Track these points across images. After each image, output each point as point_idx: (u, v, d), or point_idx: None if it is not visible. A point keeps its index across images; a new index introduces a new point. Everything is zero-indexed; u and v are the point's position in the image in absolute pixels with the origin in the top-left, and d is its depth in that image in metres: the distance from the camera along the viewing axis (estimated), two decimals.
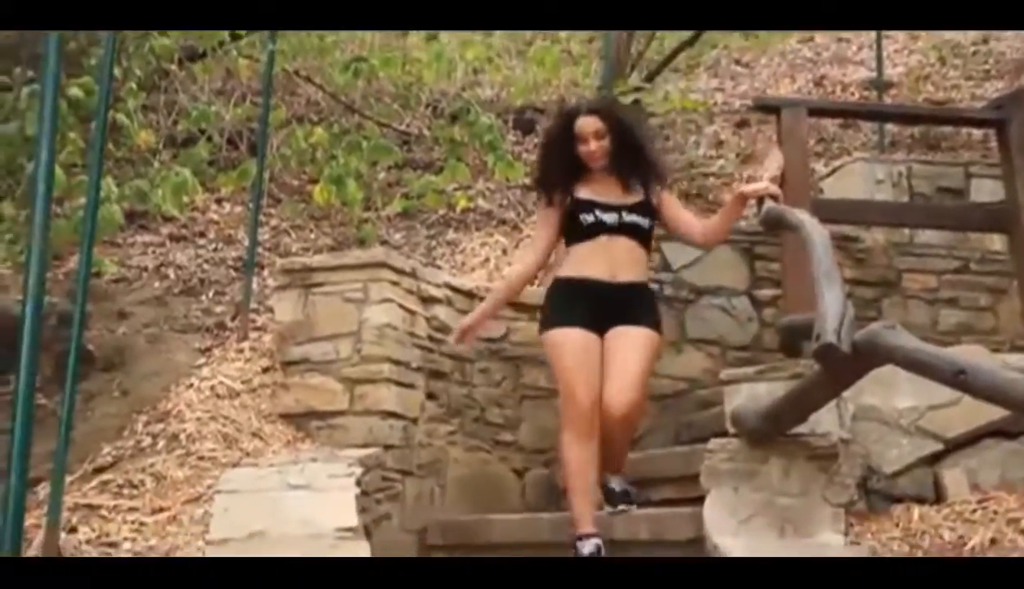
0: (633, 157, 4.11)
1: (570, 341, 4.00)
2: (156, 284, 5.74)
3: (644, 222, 4.11)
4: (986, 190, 5.97)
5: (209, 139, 7.15)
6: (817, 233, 4.14)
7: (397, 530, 4.68)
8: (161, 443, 4.48)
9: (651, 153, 4.22)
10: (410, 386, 4.88)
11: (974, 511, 4.09)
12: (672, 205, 4.22)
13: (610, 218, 4.06)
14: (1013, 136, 5.00)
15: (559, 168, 4.14)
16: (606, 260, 4.03)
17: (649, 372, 4.09)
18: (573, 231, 4.11)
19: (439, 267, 6.09)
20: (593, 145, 4.06)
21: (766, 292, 5.79)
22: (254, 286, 5.69)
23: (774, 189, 4.01)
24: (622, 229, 4.05)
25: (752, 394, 4.32)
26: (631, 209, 4.08)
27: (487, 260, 6.29)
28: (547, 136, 4.41)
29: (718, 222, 4.14)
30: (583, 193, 4.12)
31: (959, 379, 2.94)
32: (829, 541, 4.10)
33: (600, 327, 4.05)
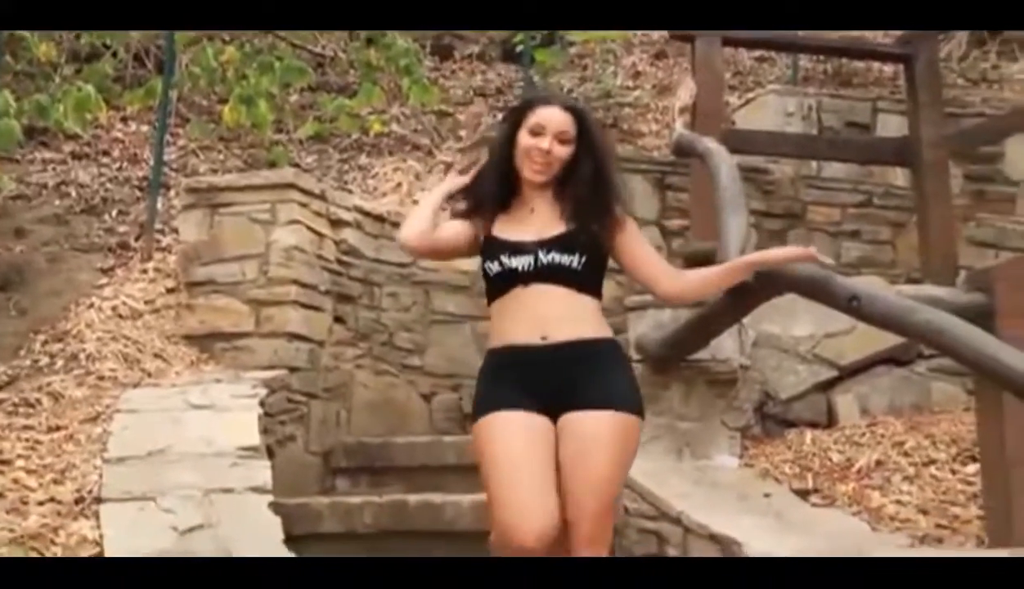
0: (590, 176, 2.87)
1: (500, 430, 2.69)
2: (57, 202, 5.58)
3: (569, 260, 2.80)
4: (893, 125, 6.08)
5: (115, 55, 6.92)
6: (724, 162, 4.21)
7: (302, 451, 4.68)
8: (60, 363, 4.40)
9: (613, 172, 2.94)
10: (317, 309, 4.85)
11: (863, 435, 4.25)
12: (633, 241, 2.90)
13: (521, 262, 2.81)
14: (919, 72, 5.10)
15: (494, 174, 2.90)
16: (528, 318, 2.78)
17: (622, 479, 2.76)
18: (487, 286, 2.89)
19: (350, 191, 6.02)
20: (549, 146, 2.82)
21: (675, 222, 5.85)
22: (160, 207, 5.58)
23: (806, 253, 2.97)
24: (540, 274, 2.79)
25: (657, 321, 4.39)
26: (551, 245, 2.80)
27: (399, 185, 6.24)
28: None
29: (700, 282, 2.95)
30: (496, 228, 2.88)
31: (852, 306, 3.03)
32: (724, 463, 4.23)
33: (547, 409, 2.72)
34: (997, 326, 3.17)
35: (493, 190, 2.88)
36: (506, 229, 2.86)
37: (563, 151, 2.83)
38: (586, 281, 2.82)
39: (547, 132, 2.81)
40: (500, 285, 2.83)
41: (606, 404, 2.67)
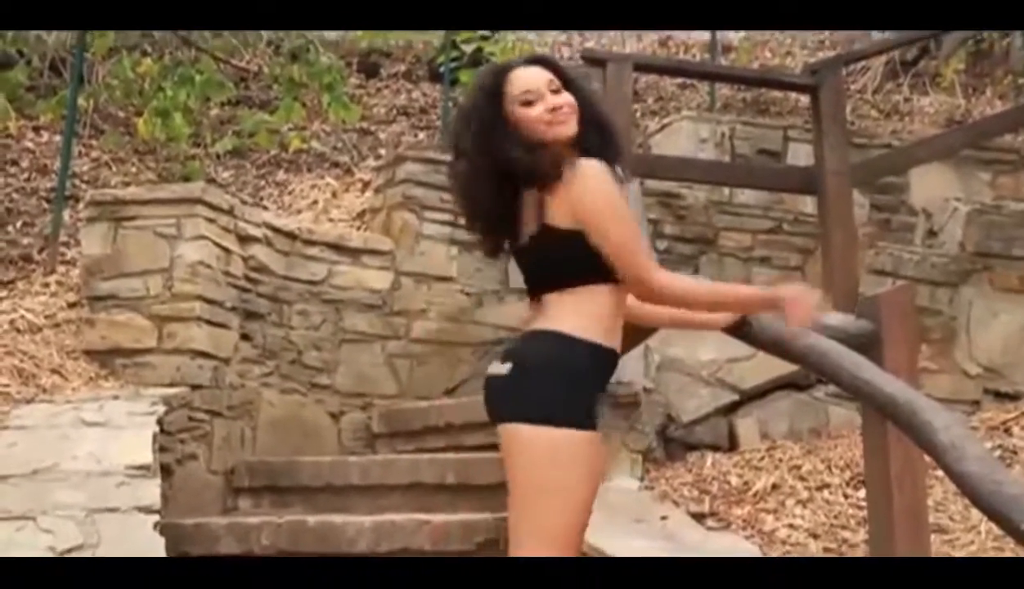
0: (601, 134, 2.49)
1: (596, 458, 2.40)
2: None
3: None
4: (803, 154, 6.19)
5: (28, 63, 6.81)
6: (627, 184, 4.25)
7: (203, 470, 4.61)
8: None
9: (617, 130, 2.59)
10: (223, 326, 4.79)
11: (761, 458, 4.31)
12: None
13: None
14: (824, 101, 5.20)
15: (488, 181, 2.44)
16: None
17: (532, 499, 2.36)
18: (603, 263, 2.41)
19: (266, 207, 5.97)
20: (552, 100, 2.43)
21: None
22: (68, 219, 5.49)
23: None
24: None
25: None
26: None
27: (315, 202, 6.21)
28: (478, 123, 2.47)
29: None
30: None
31: (744, 330, 3.07)
32: (625, 485, 4.25)
33: None
34: (882, 352, 3.23)
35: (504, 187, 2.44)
36: None
37: (569, 98, 2.45)
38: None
39: (539, 90, 2.43)
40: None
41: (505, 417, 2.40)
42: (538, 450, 2.31)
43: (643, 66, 5.54)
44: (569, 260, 2.41)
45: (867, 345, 3.17)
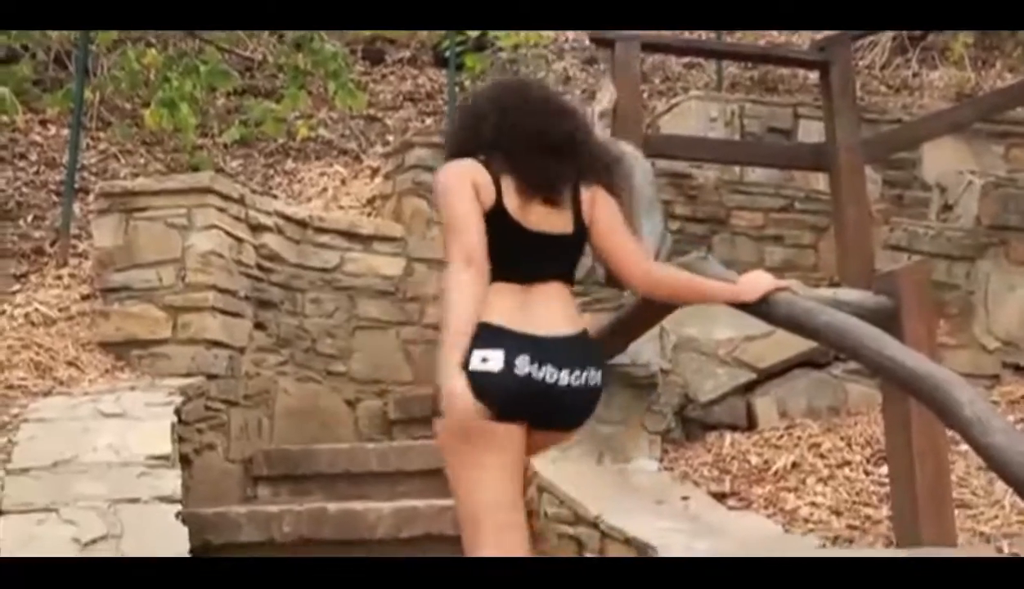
0: None
1: None
2: None
3: None
4: (814, 131, 6.15)
5: (34, 57, 6.79)
6: (639, 165, 4.21)
7: (221, 459, 4.61)
8: None
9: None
10: (237, 315, 4.78)
11: (780, 437, 4.30)
12: None
13: None
14: (834, 77, 5.17)
15: None
16: None
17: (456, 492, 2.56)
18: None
19: (275, 196, 5.96)
20: None
21: None
22: (78, 211, 5.48)
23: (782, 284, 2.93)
24: None
25: None
26: None
27: (325, 190, 6.19)
28: None
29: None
30: None
31: (761, 308, 3.06)
32: (644, 467, 4.24)
33: None
34: (901, 328, 3.21)
35: None
36: None
37: None
38: None
39: None
40: None
41: None
42: None
43: (651, 45, 5.50)
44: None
45: (886, 321, 3.15)
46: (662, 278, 2.85)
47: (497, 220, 2.53)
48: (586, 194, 2.66)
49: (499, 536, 2.48)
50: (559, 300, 2.61)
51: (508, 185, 2.55)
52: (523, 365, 2.47)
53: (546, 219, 2.59)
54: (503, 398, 2.44)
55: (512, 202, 2.55)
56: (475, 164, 2.56)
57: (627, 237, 2.79)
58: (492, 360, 2.44)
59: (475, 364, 2.43)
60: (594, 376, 2.57)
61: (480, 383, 2.41)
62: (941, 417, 2.50)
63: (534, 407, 2.50)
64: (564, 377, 2.52)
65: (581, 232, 2.67)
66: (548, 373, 2.50)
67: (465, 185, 2.52)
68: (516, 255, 2.55)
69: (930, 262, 4.55)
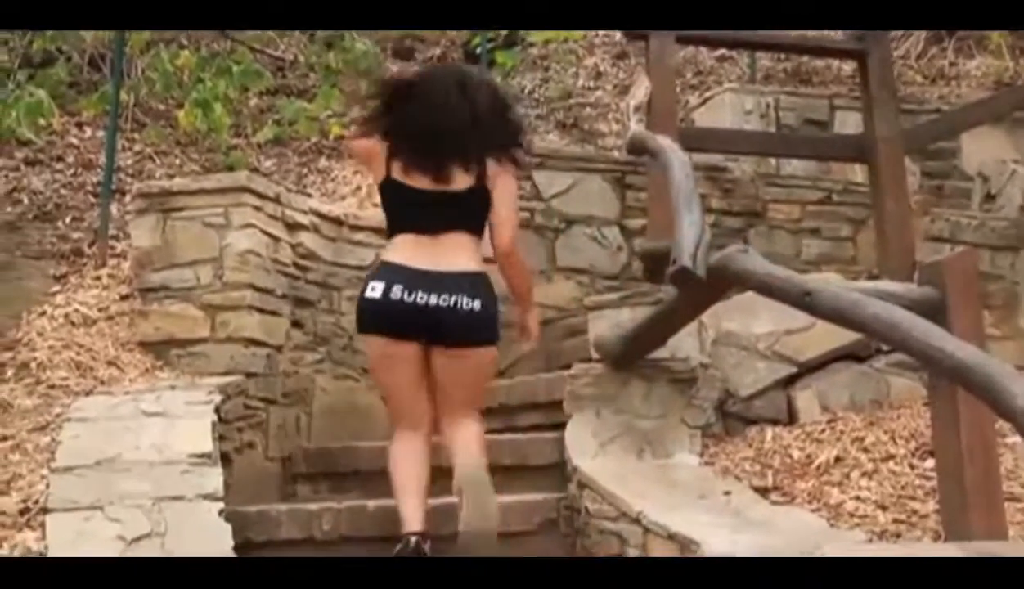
0: None
1: None
2: (8, 209, 5.50)
3: None
4: (850, 122, 6.10)
5: (69, 60, 6.84)
6: (677, 159, 4.17)
7: (261, 458, 4.62)
8: (10, 372, 4.33)
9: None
10: (274, 313, 4.79)
11: (823, 431, 4.24)
12: None
13: None
14: (872, 68, 5.11)
15: None
16: None
17: None
18: None
19: (309, 195, 5.96)
20: None
21: (636, 221, 5.84)
22: (115, 212, 5.51)
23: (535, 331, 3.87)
24: None
25: (616, 321, 4.37)
26: None
27: (359, 188, 6.19)
28: None
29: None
30: None
31: (806, 301, 3.02)
32: (685, 461, 4.21)
33: None
34: (948, 319, 3.16)
35: None
36: None
37: None
38: None
39: None
40: None
41: None
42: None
43: (686, 38, 5.46)
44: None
45: (931, 312, 3.10)
46: (513, 263, 3.60)
47: (391, 186, 3.46)
48: (493, 167, 3.46)
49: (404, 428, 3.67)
50: (458, 246, 3.42)
51: (397, 159, 3.42)
52: (397, 292, 3.34)
53: (435, 182, 3.40)
54: (378, 316, 3.39)
55: (399, 172, 3.43)
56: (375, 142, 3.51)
57: (508, 212, 3.51)
58: (377, 289, 3.40)
59: (366, 292, 3.44)
60: (467, 302, 3.35)
61: (363, 306, 3.45)
62: (994, 408, 2.45)
63: (407, 324, 3.35)
64: (433, 299, 3.33)
65: (479, 192, 3.43)
66: (418, 297, 3.33)
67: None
68: (412, 210, 3.42)
69: (975, 252, 4.48)
